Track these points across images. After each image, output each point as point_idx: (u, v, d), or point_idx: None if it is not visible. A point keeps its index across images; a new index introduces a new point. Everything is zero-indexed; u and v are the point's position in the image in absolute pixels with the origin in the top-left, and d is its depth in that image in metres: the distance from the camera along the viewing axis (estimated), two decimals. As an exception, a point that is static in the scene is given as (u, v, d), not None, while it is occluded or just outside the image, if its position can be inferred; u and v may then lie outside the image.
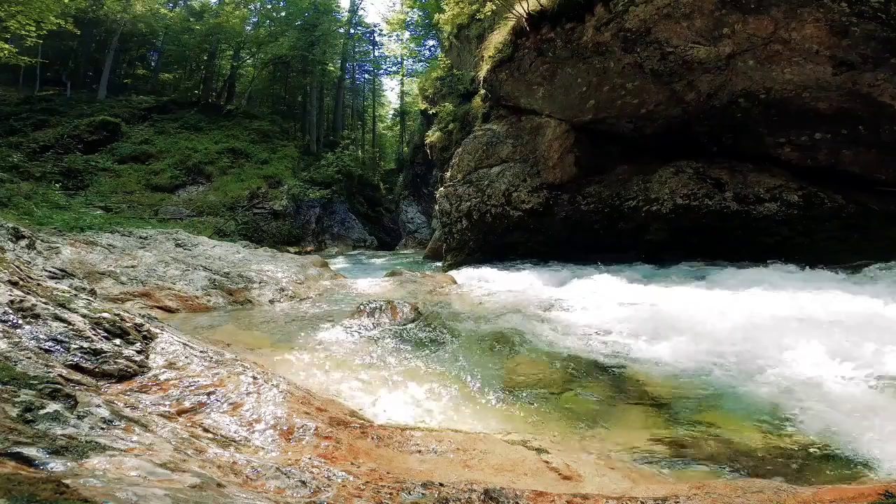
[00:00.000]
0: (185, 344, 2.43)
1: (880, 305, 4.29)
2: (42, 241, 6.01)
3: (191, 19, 27.71)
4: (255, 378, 2.26)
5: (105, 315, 2.26)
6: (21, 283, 2.20)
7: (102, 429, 1.39)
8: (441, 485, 1.54)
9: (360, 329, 4.51)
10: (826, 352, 3.31)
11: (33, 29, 15.81)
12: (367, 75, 40.11)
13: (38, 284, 2.38)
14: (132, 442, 1.39)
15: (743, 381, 3.16)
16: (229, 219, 17.45)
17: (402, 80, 36.51)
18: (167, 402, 1.87)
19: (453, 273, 9.08)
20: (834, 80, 6.43)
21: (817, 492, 1.67)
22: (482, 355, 3.94)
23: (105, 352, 1.99)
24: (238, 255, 8.30)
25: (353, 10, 34.07)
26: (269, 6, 30.34)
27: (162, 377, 2.06)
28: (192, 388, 2.03)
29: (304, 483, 1.42)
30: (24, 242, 5.33)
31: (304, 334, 4.41)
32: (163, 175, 18.72)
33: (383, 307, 5.01)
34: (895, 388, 2.87)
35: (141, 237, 8.25)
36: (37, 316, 1.96)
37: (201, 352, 2.43)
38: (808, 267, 6.36)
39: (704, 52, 7.02)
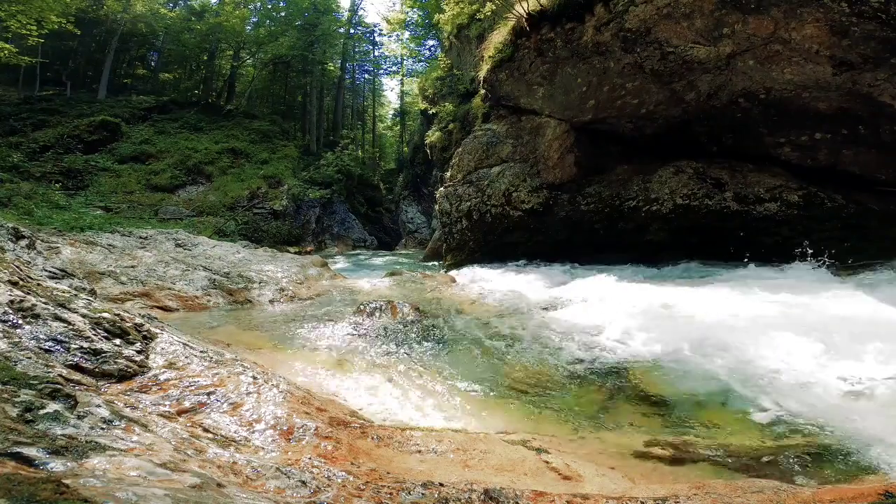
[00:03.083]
0: (185, 344, 2.43)
1: (880, 306, 4.29)
2: (42, 241, 6.00)
3: (191, 19, 27.69)
4: (255, 378, 2.26)
5: (105, 315, 2.26)
6: (21, 283, 2.20)
7: (102, 429, 1.40)
8: (441, 485, 1.54)
9: (360, 329, 4.51)
10: (826, 352, 3.31)
11: (34, 28, 15.82)
12: (367, 75, 40.13)
13: (38, 284, 2.38)
14: (132, 442, 1.39)
15: (743, 382, 3.16)
16: (229, 219, 17.43)
17: (402, 80, 36.53)
18: (167, 402, 1.87)
19: (453, 273, 9.08)
20: (834, 80, 6.43)
21: (817, 492, 1.67)
22: (482, 355, 3.94)
23: (105, 352, 1.99)
24: (238, 255, 8.30)
25: (353, 9, 34.07)
26: (269, 6, 30.35)
27: (162, 377, 2.06)
28: (192, 388, 2.03)
29: (304, 483, 1.43)
30: (24, 242, 5.33)
31: (304, 334, 4.41)
32: (163, 175, 18.71)
33: (383, 307, 5.01)
34: (893, 389, 2.87)
35: (141, 237, 8.25)
36: (37, 316, 1.96)
37: (201, 352, 2.43)
38: (807, 267, 6.35)
39: (704, 52, 7.02)
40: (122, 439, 1.38)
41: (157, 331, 2.46)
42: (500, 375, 3.51)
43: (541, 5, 8.46)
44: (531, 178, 9.78)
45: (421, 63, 33.97)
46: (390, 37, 35.45)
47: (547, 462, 2.07)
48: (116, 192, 17.03)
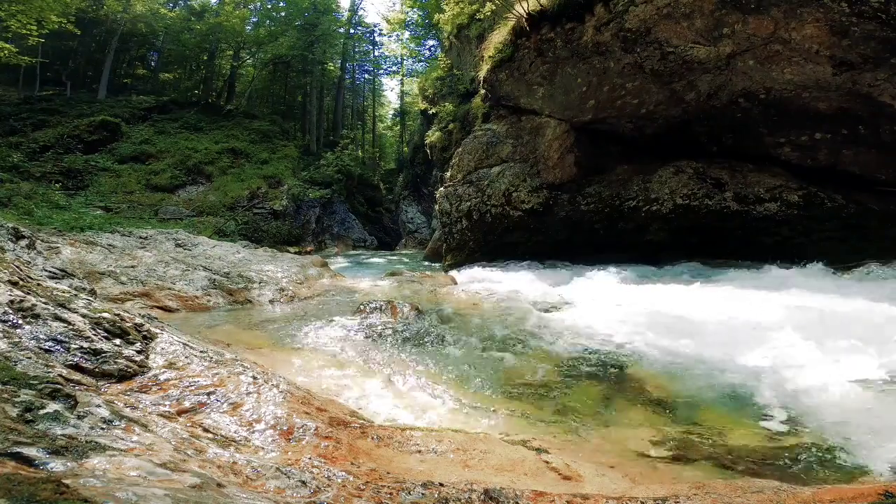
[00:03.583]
0: (185, 344, 2.43)
1: (880, 306, 4.29)
2: (42, 241, 6.00)
3: (191, 19, 27.68)
4: (255, 378, 2.26)
5: (105, 315, 2.26)
6: (21, 283, 2.20)
7: (102, 429, 1.40)
8: (441, 485, 1.54)
9: (360, 329, 4.51)
10: (826, 352, 3.31)
11: (34, 28, 15.81)
12: (367, 75, 40.10)
13: (38, 284, 2.38)
14: (132, 442, 1.39)
15: (743, 382, 3.16)
16: (229, 219, 17.41)
17: (402, 80, 36.52)
18: (167, 402, 1.87)
19: (453, 273, 9.08)
20: (834, 80, 6.43)
21: (817, 492, 1.67)
22: (482, 355, 3.94)
23: (105, 352, 1.99)
24: (238, 255, 8.30)
25: (353, 9, 34.06)
26: (269, 6, 30.35)
27: (162, 377, 2.06)
28: (192, 388, 2.03)
29: (304, 483, 1.43)
30: (24, 242, 5.33)
31: (304, 334, 4.41)
32: (163, 175, 18.70)
33: (383, 307, 5.01)
34: (893, 389, 2.87)
35: (141, 237, 8.25)
36: (37, 316, 1.96)
37: (201, 352, 2.43)
38: (807, 267, 6.36)
39: (704, 52, 7.02)
40: (122, 439, 1.38)
41: (157, 331, 2.46)
42: (501, 375, 3.51)
43: (541, 5, 8.46)
44: (531, 178, 9.78)
45: (421, 63, 33.99)
46: (390, 37, 35.48)
47: (547, 462, 2.07)
48: (116, 192, 17.02)
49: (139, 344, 2.22)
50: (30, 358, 1.65)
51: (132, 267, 6.16)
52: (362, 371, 3.49)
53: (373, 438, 2.05)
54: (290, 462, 1.62)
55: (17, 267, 2.53)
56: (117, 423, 1.47)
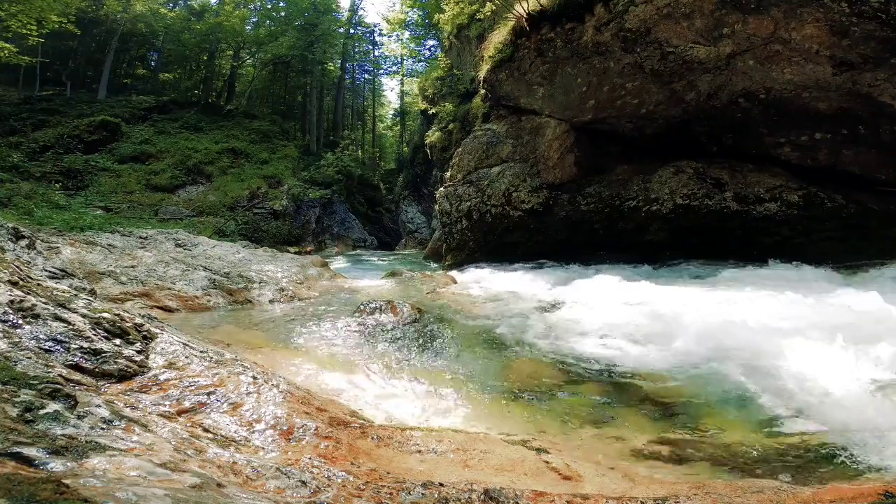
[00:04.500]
0: (185, 344, 2.43)
1: (880, 305, 4.29)
2: (42, 241, 6.00)
3: (191, 19, 27.69)
4: (255, 378, 2.26)
5: (105, 315, 2.26)
6: (21, 283, 2.20)
7: (102, 429, 1.39)
8: (441, 485, 1.54)
9: (360, 329, 4.51)
10: (825, 352, 3.31)
11: (34, 28, 15.82)
12: (367, 75, 40.10)
13: (38, 284, 2.38)
14: (132, 442, 1.39)
15: (742, 382, 3.16)
16: (229, 219, 17.41)
17: (402, 80, 36.52)
18: (167, 402, 1.87)
19: (453, 273, 9.08)
20: (834, 80, 6.43)
21: (817, 492, 1.67)
22: (482, 355, 3.94)
23: (105, 352, 1.99)
24: (238, 255, 8.30)
25: (353, 9, 34.07)
26: (269, 6, 30.35)
27: (162, 377, 2.06)
28: (192, 388, 2.03)
29: (304, 483, 1.42)
30: (24, 242, 5.32)
31: (304, 334, 4.41)
32: (163, 175, 18.70)
33: (383, 307, 5.01)
34: (894, 389, 2.87)
35: (141, 237, 8.24)
36: (37, 316, 1.96)
37: (201, 352, 2.43)
38: (807, 267, 6.35)
39: (704, 52, 7.02)
40: (122, 439, 1.38)
41: (157, 331, 2.46)
42: (500, 375, 3.51)
43: (541, 5, 8.46)
44: (531, 178, 9.78)
45: (421, 63, 33.97)
46: (390, 37, 35.46)
47: (547, 462, 2.07)
48: (116, 192, 17.02)
49: (139, 344, 2.22)
50: (30, 358, 1.65)
51: (132, 267, 6.16)
52: (362, 371, 3.49)
53: (373, 438, 2.05)
54: (290, 462, 1.62)
55: (17, 267, 2.53)
56: (117, 423, 1.47)
